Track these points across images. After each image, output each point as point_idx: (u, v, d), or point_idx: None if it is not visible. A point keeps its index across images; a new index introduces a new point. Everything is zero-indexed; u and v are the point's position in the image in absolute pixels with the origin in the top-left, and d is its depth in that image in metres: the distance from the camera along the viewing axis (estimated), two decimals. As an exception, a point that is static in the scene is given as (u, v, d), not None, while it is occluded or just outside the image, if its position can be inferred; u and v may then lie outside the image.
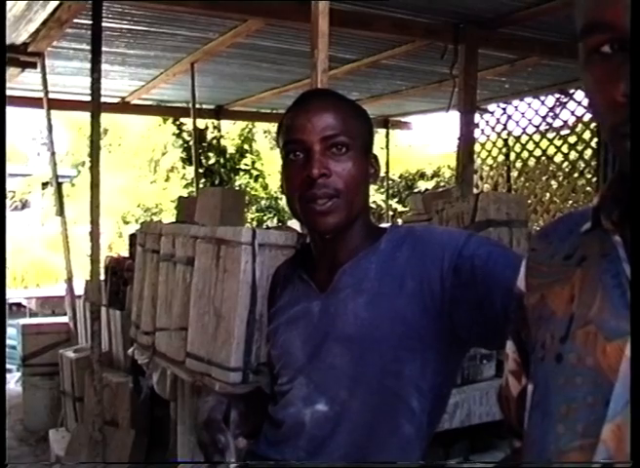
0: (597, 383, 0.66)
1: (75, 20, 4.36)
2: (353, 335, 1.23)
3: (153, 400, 3.45)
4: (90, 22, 3.83)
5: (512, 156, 7.60)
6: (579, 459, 0.66)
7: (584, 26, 0.66)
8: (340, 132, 1.25)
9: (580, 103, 6.66)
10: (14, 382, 6.21)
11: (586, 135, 6.81)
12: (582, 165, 7.00)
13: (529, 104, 7.39)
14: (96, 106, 3.73)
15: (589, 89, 0.68)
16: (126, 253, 4.65)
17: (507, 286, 1.07)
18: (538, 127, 7.30)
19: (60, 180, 5.53)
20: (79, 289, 4.94)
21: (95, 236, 3.63)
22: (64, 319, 5.39)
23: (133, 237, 4.23)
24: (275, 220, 12.38)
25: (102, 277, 4.13)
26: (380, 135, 9.11)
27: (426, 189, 11.66)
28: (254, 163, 12.40)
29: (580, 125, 6.82)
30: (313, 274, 1.33)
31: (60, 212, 5.27)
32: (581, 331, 0.69)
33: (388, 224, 1.39)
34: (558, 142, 7.14)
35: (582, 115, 6.66)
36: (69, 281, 5.25)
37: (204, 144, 10.03)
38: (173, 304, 2.74)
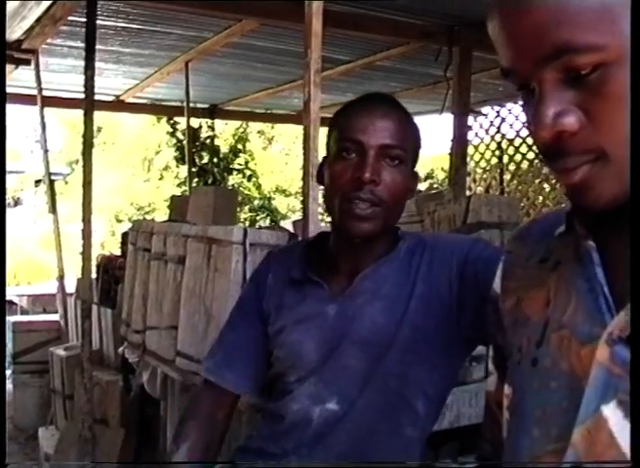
0: (571, 387, 0.65)
1: (69, 18, 4.35)
2: (369, 339, 1.26)
3: (143, 398, 3.45)
4: (84, 20, 3.81)
5: (505, 159, 7.62)
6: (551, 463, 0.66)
7: (500, 71, 0.68)
8: (398, 144, 1.26)
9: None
10: (4, 380, 6.19)
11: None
12: (575, 168, 7.01)
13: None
14: (89, 104, 3.72)
15: None
16: (118, 252, 4.64)
17: None
18: (531, 130, 7.31)
19: (52, 178, 5.51)
20: (70, 286, 4.93)
21: (86, 234, 3.61)
22: (55, 317, 5.38)
23: (125, 235, 4.22)
24: (268, 220, 12.37)
25: (94, 275, 4.12)
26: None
27: (419, 191, 11.67)
28: (247, 163, 12.39)
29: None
30: (327, 276, 1.34)
31: (53, 209, 5.26)
32: (556, 335, 0.69)
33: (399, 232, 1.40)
34: (551, 146, 7.15)
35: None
36: (61, 279, 5.24)
37: (197, 143, 10.01)
38: (163, 303, 2.74)
